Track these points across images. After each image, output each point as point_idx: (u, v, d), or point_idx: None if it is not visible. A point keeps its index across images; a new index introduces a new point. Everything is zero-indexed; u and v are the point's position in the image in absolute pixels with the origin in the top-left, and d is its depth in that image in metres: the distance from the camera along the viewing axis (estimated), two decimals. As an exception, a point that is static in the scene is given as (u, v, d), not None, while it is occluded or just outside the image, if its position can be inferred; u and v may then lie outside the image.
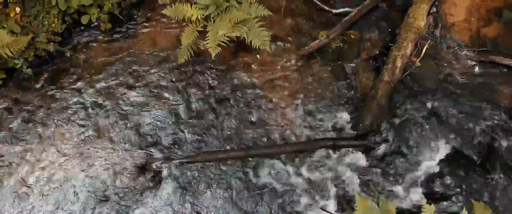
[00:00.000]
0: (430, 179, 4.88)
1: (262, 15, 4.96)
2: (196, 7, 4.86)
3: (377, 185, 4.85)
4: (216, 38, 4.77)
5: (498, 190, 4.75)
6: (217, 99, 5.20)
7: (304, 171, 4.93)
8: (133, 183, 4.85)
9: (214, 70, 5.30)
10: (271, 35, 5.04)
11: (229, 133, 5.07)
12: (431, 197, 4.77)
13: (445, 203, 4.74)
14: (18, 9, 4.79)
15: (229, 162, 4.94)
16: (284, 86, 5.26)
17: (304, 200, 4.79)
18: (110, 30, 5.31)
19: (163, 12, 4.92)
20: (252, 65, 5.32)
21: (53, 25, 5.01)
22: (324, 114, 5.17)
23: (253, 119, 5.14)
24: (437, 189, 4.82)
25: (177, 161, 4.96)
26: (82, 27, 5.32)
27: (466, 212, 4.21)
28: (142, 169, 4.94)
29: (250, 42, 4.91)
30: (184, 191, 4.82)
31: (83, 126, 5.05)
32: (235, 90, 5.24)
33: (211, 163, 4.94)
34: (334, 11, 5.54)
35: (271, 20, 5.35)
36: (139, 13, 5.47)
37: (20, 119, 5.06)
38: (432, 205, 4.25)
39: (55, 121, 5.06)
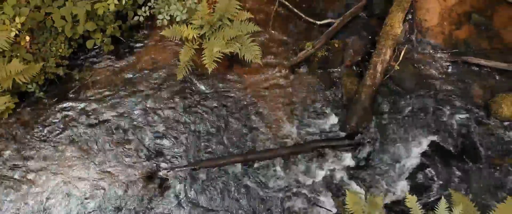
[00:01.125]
0: (413, 171, 5.33)
1: (252, 31, 5.39)
2: (191, 27, 5.26)
3: (365, 180, 5.30)
4: (212, 54, 5.18)
5: (474, 178, 5.22)
6: (215, 110, 5.61)
7: (299, 171, 5.36)
8: (143, 192, 5.28)
9: (211, 83, 5.71)
10: (261, 48, 5.47)
11: (228, 139, 5.50)
12: (415, 188, 5.23)
13: (427, 193, 5.21)
14: (27, 38, 5.17)
15: (229, 167, 5.37)
16: (277, 94, 5.69)
17: (300, 198, 5.23)
18: (113, 51, 5.71)
19: (162, 33, 5.30)
20: (246, 77, 5.75)
21: (60, 50, 5.39)
22: (314, 117, 5.61)
23: (249, 126, 5.56)
24: (419, 181, 5.28)
25: (181, 169, 5.39)
26: (87, 50, 5.71)
27: (445, 200, 4.66)
28: (150, 178, 5.36)
29: (243, 56, 5.34)
30: (190, 196, 5.25)
31: (93, 141, 5.46)
32: (232, 100, 5.66)
33: (213, 169, 5.37)
34: (318, 22, 5.90)
35: (261, 34, 5.78)
36: (139, 34, 5.87)
37: (35, 137, 5.46)
38: (414, 195, 4.68)
39: (67, 137, 5.47)
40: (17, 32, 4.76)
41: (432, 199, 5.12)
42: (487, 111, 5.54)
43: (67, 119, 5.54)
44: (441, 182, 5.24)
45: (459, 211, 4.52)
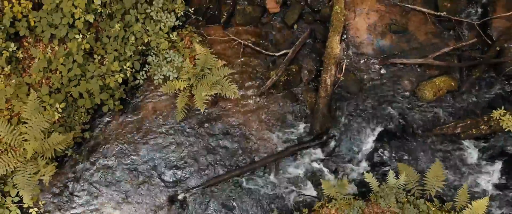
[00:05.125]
0: (369, 155, 7.02)
1: (228, 74, 6.95)
2: (181, 80, 6.78)
3: (335, 167, 6.94)
4: (201, 98, 6.72)
5: (413, 150, 6.95)
6: (211, 137, 7.15)
7: (284, 172, 6.97)
8: (168, 213, 6.79)
9: (204, 118, 7.24)
10: (236, 83, 7.04)
11: (225, 159, 7.04)
12: (372, 166, 6.91)
13: (381, 168, 6.91)
14: (57, 115, 6.50)
15: (231, 180, 6.94)
16: (255, 117, 7.26)
17: (289, 191, 6.84)
18: (122, 109, 7.16)
19: (161, 89, 6.82)
20: (229, 108, 7.29)
21: (82, 118, 6.82)
22: (287, 128, 7.21)
23: (240, 144, 7.11)
24: (375, 161, 6.97)
25: (195, 188, 6.91)
26: (102, 113, 7.15)
27: (392, 172, 6.34)
28: (171, 201, 6.87)
29: (225, 94, 6.90)
30: (206, 208, 6.79)
31: (121, 181, 6.92)
32: (222, 127, 7.19)
33: (219, 184, 6.92)
34: (276, 54, 7.48)
35: (235, 74, 7.34)
36: (139, 92, 7.33)
37: (75, 188, 6.88)
38: (370, 173, 6.40)
39: (101, 182, 6.91)
40: (59, 115, 6.13)
41: (385, 171, 6.81)
42: (415, 97, 7.27)
43: (96, 169, 6.98)
44: (390, 158, 6.95)
45: (403, 177, 6.24)
